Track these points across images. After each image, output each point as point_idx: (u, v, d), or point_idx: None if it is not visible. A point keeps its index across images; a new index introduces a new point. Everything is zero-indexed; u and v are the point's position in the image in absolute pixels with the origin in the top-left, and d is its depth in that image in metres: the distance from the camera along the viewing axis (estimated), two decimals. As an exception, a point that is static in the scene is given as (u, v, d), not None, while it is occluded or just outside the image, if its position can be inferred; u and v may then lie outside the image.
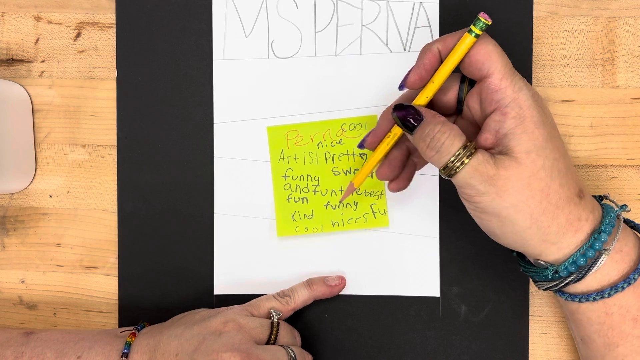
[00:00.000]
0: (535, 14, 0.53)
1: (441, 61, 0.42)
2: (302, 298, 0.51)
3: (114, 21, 0.55)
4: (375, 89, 0.53)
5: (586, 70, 0.52)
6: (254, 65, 0.54)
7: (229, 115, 0.54)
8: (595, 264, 0.41)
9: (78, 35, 0.55)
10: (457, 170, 0.40)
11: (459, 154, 0.40)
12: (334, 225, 0.53)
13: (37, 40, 0.55)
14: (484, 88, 0.41)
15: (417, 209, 0.53)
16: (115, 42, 0.55)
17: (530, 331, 0.53)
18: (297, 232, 0.53)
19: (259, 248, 0.54)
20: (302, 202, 0.53)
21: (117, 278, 0.55)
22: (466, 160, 0.40)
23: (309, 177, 0.53)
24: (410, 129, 0.42)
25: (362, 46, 0.53)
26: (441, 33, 0.53)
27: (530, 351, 0.53)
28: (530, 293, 0.53)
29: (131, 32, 0.54)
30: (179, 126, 0.54)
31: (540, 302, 0.53)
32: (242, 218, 0.54)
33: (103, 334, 0.49)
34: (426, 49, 0.43)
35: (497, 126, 0.41)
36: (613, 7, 0.52)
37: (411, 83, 0.43)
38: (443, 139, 0.40)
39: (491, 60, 0.40)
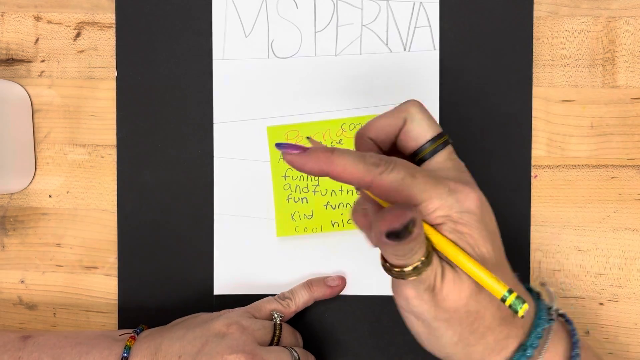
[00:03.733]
0: (535, 13, 0.53)
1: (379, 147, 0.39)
2: (302, 300, 0.51)
3: (114, 21, 0.55)
4: (375, 89, 0.53)
5: (586, 70, 0.52)
6: (253, 65, 0.54)
7: (229, 115, 0.54)
8: None
9: (78, 35, 0.55)
10: (411, 273, 0.35)
11: (420, 265, 0.35)
12: (333, 226, 0.53)
13: (37, 40, 0.55)
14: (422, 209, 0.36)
15: (417, 209, 0.53)
16: (115, 42, 0.55)
17: (530, 331, 0.53)
18: (296, 232, 0.53)
19: (258, 248, 0.54)
20: (302, 202, 0.53)
21: (116, 278, 0.55)
22: (426, 267, 0.35)
23: (309, 177, 0.53)
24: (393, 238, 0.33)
25: (362, 46, 0.53)
26: (441, 33, 0.53)
27: (530, 351, 0.53)
28: (530, 293, 0.53)
29: (131, 32, 0.54)
30: (179, 126, 0.54)
31: (540, 302, 0.53)
32: (242, 218, 0.54)
33: (101, 338, 0.49)
34: (359, 138, 0.39)
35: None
36: (613, 7, 0.52)
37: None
38: (416, 250, 0.34)
39: (414, 191, 0.35)
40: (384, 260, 0.36)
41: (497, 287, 0.34)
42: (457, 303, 0.36)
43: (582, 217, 0.53)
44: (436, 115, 0.53)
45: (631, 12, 0.52)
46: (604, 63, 0.52)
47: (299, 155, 0.35)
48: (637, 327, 0.53)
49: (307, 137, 0.40)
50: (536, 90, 0.53)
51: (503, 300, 0.34)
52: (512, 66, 0.53)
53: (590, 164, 0.53)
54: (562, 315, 0.41)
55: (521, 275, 0.52)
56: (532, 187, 0.53)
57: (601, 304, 0.53)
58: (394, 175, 0.35)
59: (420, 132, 0.39)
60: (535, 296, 0.41)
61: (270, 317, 0.50)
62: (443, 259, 0.36)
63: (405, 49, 0.53)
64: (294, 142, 0.44)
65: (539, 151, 0.53)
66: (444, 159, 0.39)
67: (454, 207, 0.36)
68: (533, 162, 0.53)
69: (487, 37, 0.53)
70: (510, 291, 0.34)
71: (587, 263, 0.53)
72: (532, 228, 0.53)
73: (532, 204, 0.53)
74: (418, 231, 0.33)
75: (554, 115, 0.53)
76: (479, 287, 0.36)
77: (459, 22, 0.53)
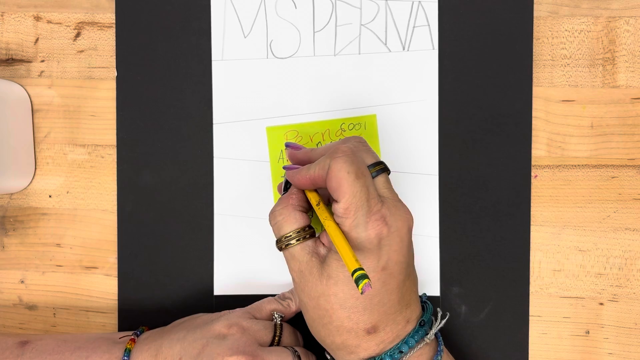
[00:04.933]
0: (535, 13, 0.53)
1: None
2: (303, 300, 0.51)
3: (114, 21, 0.55)
4: (374, 89, 0.53)
5: (586, 70, 0.52)
6: (252, 65, 0.54)
7: (228, 115, 0.54)
8: None
9: (78, 35, 0.55)
10: (282, 248, 0.44)
11: (286, 237, 0.44)
12: (333, 226, 0.53)
13: (37, 40, 0.55)
14: (334, 209, 0.43)
15: (417, 209, 0.53)
16: (114, 42, 0.55)
17: (530, 331, 0.53)
18: (296, 232, 0.53)
19: (259, 248, 0.54)
20: (302, 202, 0.53)
21: (116, 278, 0.55)
22: (293, 243, 0.44)
23: (309, 177, 0.53)
24: (281, 191, 0.48)
25: (360, 46, 0.53)
26: (440, 32, 0.53)
27: (530, 351, 0.53)
28: (530, 293, 0.53)
29: (131, 32, 0.54)
30: (179, 126, 0.54)
31: (540, 302, 0.53)
32: (242, 218, 0.54)
33: (101, 341, 0.48)
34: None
35: (329, 243, 0.44)
36: (613, 7, 0.52)
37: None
38: (279, 218, 0.45)
39: (340, 189, 0.42)
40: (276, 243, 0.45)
41: (352, 261, 0.39)
42: (309, 296, 0.43)
43: (582, 217, 0.53)
44: (435, 115, 0.53)
45: (631, 12, 0.52)
46: (604, 63, 0.52)
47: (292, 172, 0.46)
48: (637, 327, 0.53)
49: (286, 144, 0.49)
50: (536, 90, 0.53)
51: (353, 274, 0.38)
52: (512, 66, 0.52)
53: (590, 164, 0.52)
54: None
55: (521, 275, 0.52)
56: (532, 187, 0.53)
57: (601, 304, 0.53)
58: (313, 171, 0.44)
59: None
60: (421, 329, 0.44)
61: (271, 318, 0.50)
62: (318, 258, 0.43)
63: (404, 49, 0.53)
64: (294, 143, 0.50)
65: (539, 151, 0.53)
66: (382, 185, 0.44)
67: (359, 228, 0.41)
68: (533, 162, 0.53)
69: (487, 37, 0.53)
70: (360, 269, 0.38)
71: (587, 263, 0.53)
72: (532, 228, 0.53)
73: (532, 204, 0.53)
74: (292, 191, 0.45)
75: (554, 115, 0.53)
76: (329, 290, 0.42)
77: (458, 22, 0.53)
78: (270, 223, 0.45)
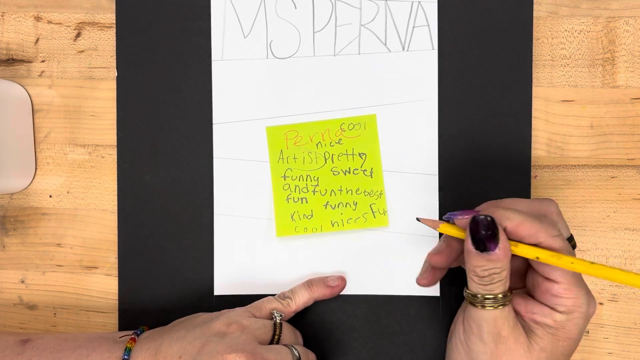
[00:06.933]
0: (535, 14, 0.53)
1: None
2: (302, 300, 0.51)
3: (114, 21, 0.55)
4: (374, 89, 0.53)
5: (586, 70, 0.52)
6: (252, 65, 0.54)
7: (228, 115, 0.54)
8: None
9: (78, 35, 0.55)
10: (481, 307, 0.41)
11: (495, 298, 0.40)
12: (333, 225, 0.53)
13: (37, 40, 0.55)
14: (547, 288, 0.40)
15: (417, 209, 0.53)
16: (115, 42, 0.55)
17: (530, 331, 0.53)
18: (296, 232, 0.53)
19: (258, 248, 0.54)
20: (302, 202, 0.53)
21: (117, 278, 0.55)
22: (496, 306, 0.40)
23: (308, 177, 0.53)
24: (480, 249, 0.40)
25: (360, 46, 0.53)
26: (440, 32, 0.53)
27: (530, 351, 0.53)
28: (530, 293, 0.53)
29: (131, 32, 0.54)
30: (179, 126, 0.54)
31: (540, 303, 0.53)
32: (241, 218, 0.54)
33: (101, 340, 0.48)
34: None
35: (539, 316, 0.41)
36: (613, 7, 0.52)
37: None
38: (496, 280, 0.40)
39: (559, 271, 0.40)
40: (467, 289, 0.42)
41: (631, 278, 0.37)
42: None
43: (582, 217, 0.53)
44: (435, 115, 0.53)
45: (631, 12, 0.52)
46: (603, 63, 0.52)
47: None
48: (636, 327, 0.53)
49: (417, 218, 0.46)
50: (536, 90, 0.53)
51: None
52: (512, 66, 0.52)
53: (590, 164, 0.53)
54: None
55: (521, 275, 0.52)
56: (532, 187, 0.53)
57: (601, 303, 0.53)
58: (563, 244, 0.40)
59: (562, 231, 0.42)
60: None
61: (271, 317, 0.50)
62: (519, 326, 0.41)
63: (403, 49, 0.53)
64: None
65: (539, 151, 0.53)
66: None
67: (582, 307, 0.40)
68: (533, 162, 0.53)
69: (487, 37, 0.53)
70: None
71: (587, 263, 0.53)
72: (532, 228, 0.53)
73: (531, 204, 0.53)
74: (503, 245, 0.39)
75: (554, 115, 0.53)
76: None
77: (458, 22, 0.53)
78: (475, 278, 0.40)
